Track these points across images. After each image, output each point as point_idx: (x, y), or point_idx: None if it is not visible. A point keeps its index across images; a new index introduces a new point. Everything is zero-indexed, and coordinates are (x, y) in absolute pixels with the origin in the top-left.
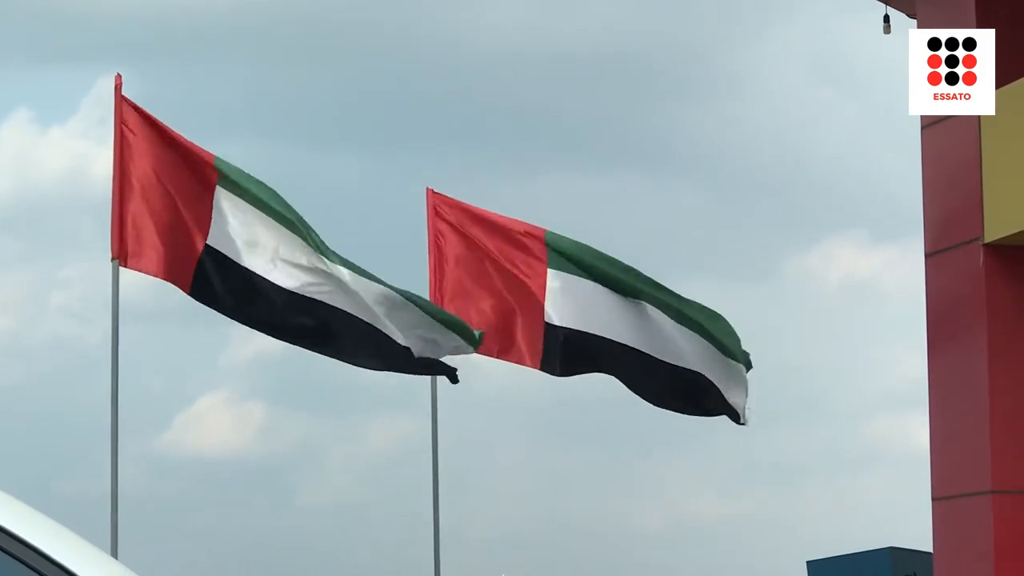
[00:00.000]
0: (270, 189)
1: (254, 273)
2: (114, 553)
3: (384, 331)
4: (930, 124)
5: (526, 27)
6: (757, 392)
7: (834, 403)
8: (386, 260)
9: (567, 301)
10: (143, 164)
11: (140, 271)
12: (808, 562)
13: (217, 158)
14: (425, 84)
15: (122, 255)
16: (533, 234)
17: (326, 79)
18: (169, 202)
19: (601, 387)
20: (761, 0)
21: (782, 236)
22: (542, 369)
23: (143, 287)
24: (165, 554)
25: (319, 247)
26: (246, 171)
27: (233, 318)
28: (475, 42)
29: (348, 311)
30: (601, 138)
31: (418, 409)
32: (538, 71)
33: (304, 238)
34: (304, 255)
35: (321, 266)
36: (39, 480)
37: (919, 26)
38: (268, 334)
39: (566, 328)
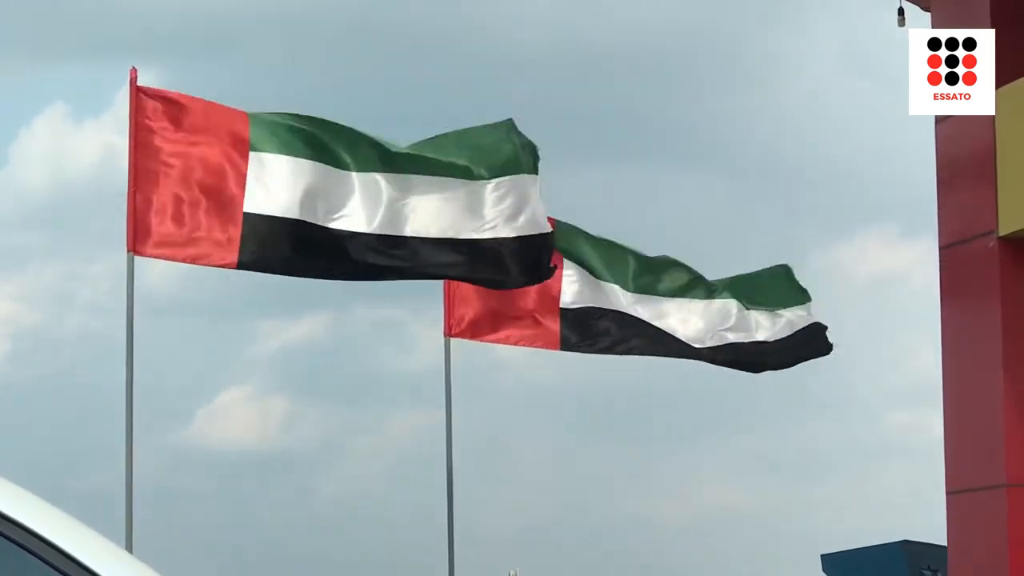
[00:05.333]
0: (318, 128)
1: (308, 223)
2: (129, 547)
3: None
4: (944, 118)
5: (558, 21)
6: (778, 386)
7: (852, 397)
8: None
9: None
10: (167, 150)
11: (173, 260)
12: (822, 555)
13: (252, 118)
14: (460, 79)
15: (148, 247)
16: None
17: (362, 75)
18: (200, 183)
19: (620, 380)
20: None
21: (810, 229)
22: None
23: (170, 281)
24: (184, 548)
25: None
26: (288, 114)
27: (298, 275)
28: (508, 36)
29: (426, 236)
30: (632, 131)
31: (439, 402)
32: (569, 64)
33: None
34: (357, 194)
35: (383, 194)
36: (60, 474)
37: (933, 19)
38: (341, 279)
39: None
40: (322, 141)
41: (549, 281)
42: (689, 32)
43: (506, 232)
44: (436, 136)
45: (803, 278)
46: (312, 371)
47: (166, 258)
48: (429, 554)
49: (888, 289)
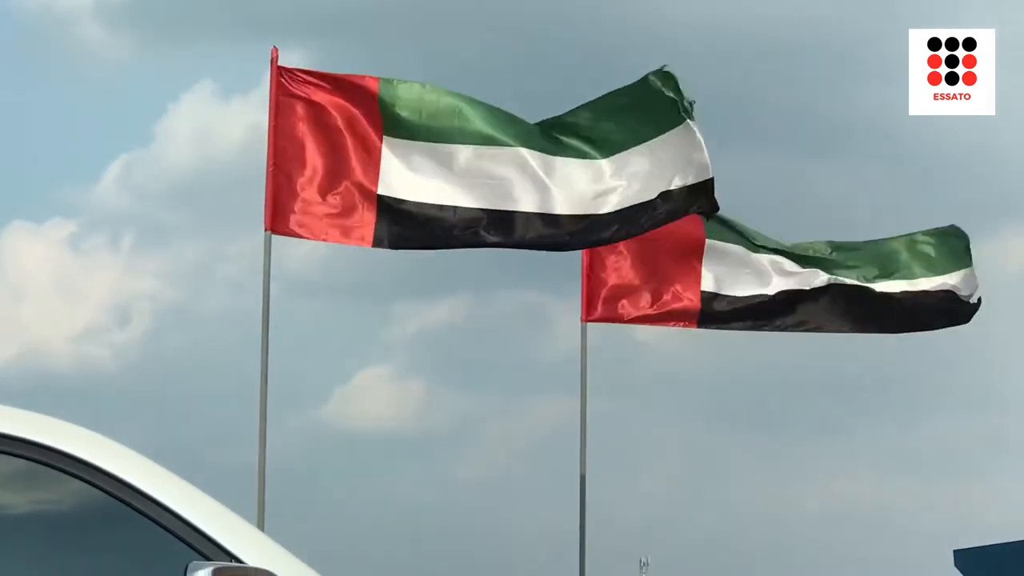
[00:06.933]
0: (453, 104)
1: (441, 205)
2: (260, 525)
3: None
4: None
5: (714, 12)
6: (920, 378)
7: (1003, 391)
8: None
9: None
10: (306, 130)
11: (309, 238)
12: (955, 551)
13: (384, 101)
14: (613, 67)
15: (285, 225)
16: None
17: (503, 58)
18: (336, 163)
19: (758, 370)
20: None
21: (961, 223)
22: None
23: (310, 260)
24: (316, 528)
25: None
26: (422, 88)
27: (433, 248)
28: (664, 25)
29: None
30: (783, 122)
31: (575, 388)
32: (723, 55)
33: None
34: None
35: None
36: (196, 450)
37: None
38: (475, 247)
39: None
40: (457, 118)
41: (692, 259)
42: (837, 24)
43: (657, 192)
44: (580, 108)
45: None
46: (450, 353)
47: (302, 236)
48: (561, 539)
49: None
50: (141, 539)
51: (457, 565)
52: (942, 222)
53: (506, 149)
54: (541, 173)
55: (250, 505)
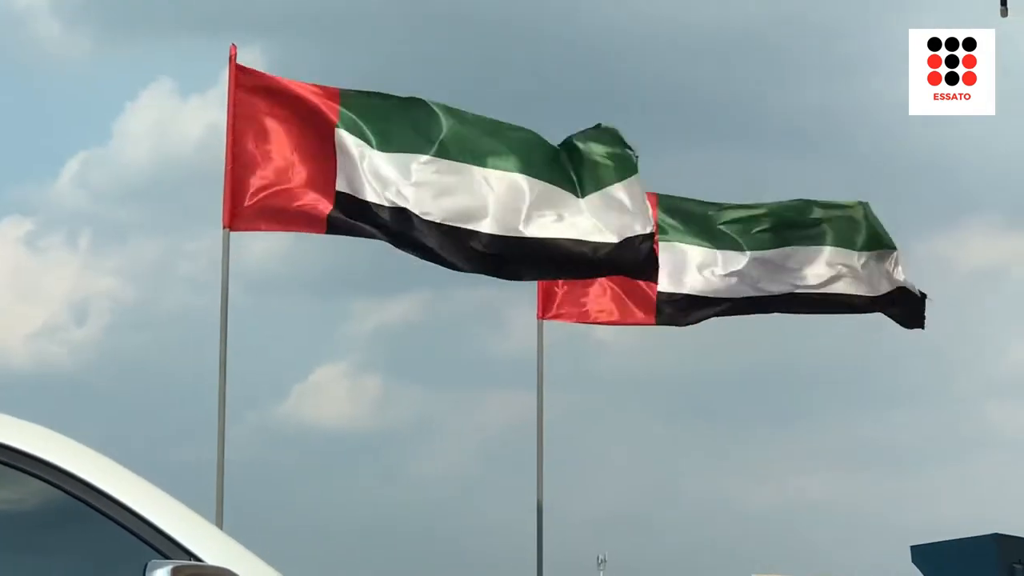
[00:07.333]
0: (409, 110)
1: (395, 207)
2: (219, 522)
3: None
4: None
5: (712, 11)
6: (875, 374)
7: (951, 388)
8: None
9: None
10: (263, 128)
11: (268, 230)
12: (912, 547)
13: (344, 101)
14: (559, 62)
15: (243, 222)
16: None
17: (467, 59)
18: (293, 162)
19: (715, 366)
20: None
21: (911, 219)
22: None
23: (269, 258)
24: (274, 524)
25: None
26: (381, 96)
27: (384, 240)
28: (608, 20)
29: (500, 234)
30: (731, 116)
31: (532, 384)
32: (670, 49)
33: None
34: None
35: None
36: (156, 448)
37: None
38: (421, 257)
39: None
40: (414, 127)
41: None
42: (789, 19)
43: (604, 238)
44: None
45: (904, 267)
46: (407, 350)
47: (260, 229)
48: (519, 536)
49: (990, 279)
50: (101, 538)
51: (414, 561)
52: (942, 221)
53: (464, 165)
54: (486, 188)
55: (209, 503)
